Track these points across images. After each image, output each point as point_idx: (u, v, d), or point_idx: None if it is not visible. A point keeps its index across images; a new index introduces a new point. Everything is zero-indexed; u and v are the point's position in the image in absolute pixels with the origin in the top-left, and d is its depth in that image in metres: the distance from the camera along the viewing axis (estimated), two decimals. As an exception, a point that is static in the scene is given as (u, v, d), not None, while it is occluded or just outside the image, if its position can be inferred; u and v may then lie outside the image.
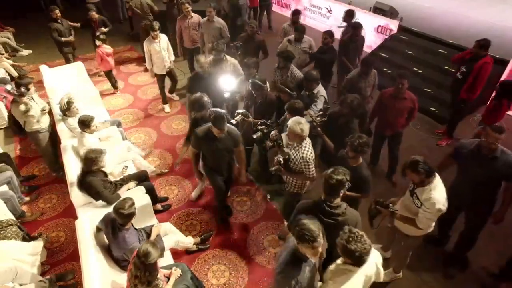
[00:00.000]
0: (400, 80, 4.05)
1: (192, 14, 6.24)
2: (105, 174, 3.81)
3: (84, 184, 3.62)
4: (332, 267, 2.30)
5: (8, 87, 4.64)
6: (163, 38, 5.82)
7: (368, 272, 2.26)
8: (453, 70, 5.68)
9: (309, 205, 2.60)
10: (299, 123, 3.13)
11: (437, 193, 2.74)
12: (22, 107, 4.30)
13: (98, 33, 6.68)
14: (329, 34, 5.36)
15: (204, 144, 3.55)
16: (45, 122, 4.59)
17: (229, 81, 4.43)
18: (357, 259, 2.08)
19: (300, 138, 3.19)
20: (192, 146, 3.69)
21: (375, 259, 2.33)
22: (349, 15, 6.36)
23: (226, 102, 4.95)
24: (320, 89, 4.24)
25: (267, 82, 4.23)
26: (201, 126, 3.56)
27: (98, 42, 6.44)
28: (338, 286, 2.19)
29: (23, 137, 5.50)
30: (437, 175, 2.81)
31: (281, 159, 3.29)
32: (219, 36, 6.00)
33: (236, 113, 4.06)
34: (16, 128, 5.51)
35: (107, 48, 6.57)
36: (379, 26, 8.11)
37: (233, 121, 3.96)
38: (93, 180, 3.58)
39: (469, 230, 3.52)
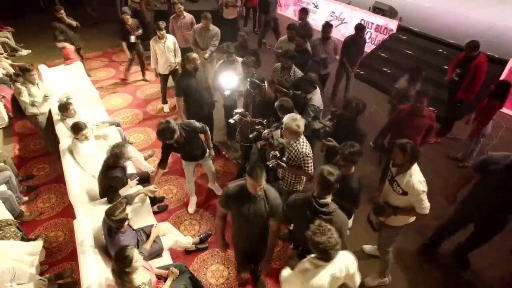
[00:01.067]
0: (419, 98, 3.82)
1: (185, 14, 6.26)
2: (124, 170, 3.79)
3: (106, 176, 3.56)
4: (303, 260, 2.32)
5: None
6: (170, 39, 5.79)
7: (335, 273, 2.23)
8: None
9: (300, 200, 2.62)
10: (295, 120, 3.14)
11: (416, 177, 2.87)
12: (16, 91, 4.60)
13: (133, 36, 6.61)
14: (301, 35, 5.37)
15: (234, 203, 2.75)
16: (44, 108, 4.80)
17: (230, 79, 4.41)
18: (322, 252, 2.11)
19: (297, 134, 3.20)
20: (220, 205, 2.88)
21: (346, 262, 2.30)
22: (304, 12, 6.45)
23: (228, 101, 4.97)
24: (314, 96, 4.17)
25: (265, 81, 4.23)
26: (234, 183, 2.82)
27: (59, 45, 6.49)
28: (302, 276, 2.21)
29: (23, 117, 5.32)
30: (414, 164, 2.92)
31: (277, 153, 3.25)
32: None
33: (234, 113, 4.05)
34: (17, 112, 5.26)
35: (71, 46, 6.64)
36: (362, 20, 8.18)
37: (231, 121, 3.97)
38: (117, 177, 3.56)
39: (478, 238, 3.48)
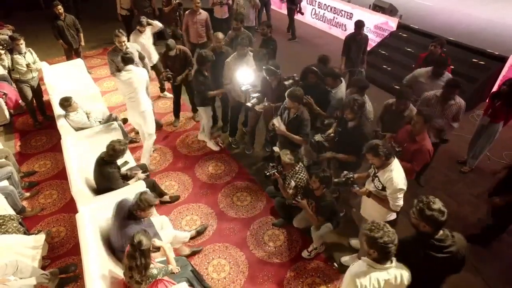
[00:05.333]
0: (416, 118, 3.31)
1: (201, 10, 6.30)
2: (119, 167, 3.85)
3: (103, 173, 3.63)
4: (359, 261, 2.25)
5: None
6: (148, 31, 5.98)
7: (390, 279, 2.16)
8: (452, 66, 5.67)
9: (411, 243, 2.36)
10: (286, 154, 3.66)
11: (396, 173, 2.90)
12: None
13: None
14: (266, 25, 5.49)
15: None
16: (27, 76, 5.34)
17: (246, 74, 4.48)
18: (381, 249, 2.06)
19: (292, 165, 3.70)
20: None
21: (403, 272, 2.21)
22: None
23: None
24: (339, 91, 4.16)
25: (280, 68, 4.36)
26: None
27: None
28: (355, 278, 2.14)
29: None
30: (395, 157, 2.97)
31: (293, 187, 3.65)
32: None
33: (251, 97, 4.26)
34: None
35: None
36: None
37: (249, 104, 4.21)
38: (114, 172, 3.65)
39: None
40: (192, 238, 3.92)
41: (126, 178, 3.94)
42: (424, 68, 4.51)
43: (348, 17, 8.66)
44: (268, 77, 4.32)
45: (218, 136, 5.58)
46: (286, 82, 4.21)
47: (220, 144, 5.41)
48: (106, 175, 3.63)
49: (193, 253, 3.81)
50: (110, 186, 3.69)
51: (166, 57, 5.15)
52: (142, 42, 5.84)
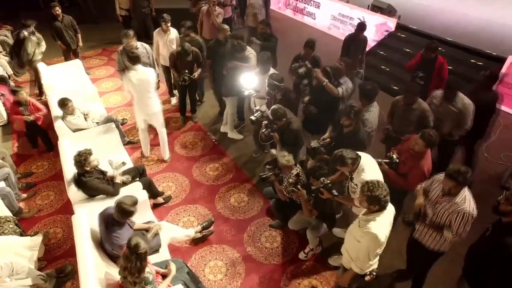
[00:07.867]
0: (418, 140, 3.18)
1: (217, 7, 6.41)
2: (101, 172, 3.82)
3: (80, 185, 3.65)
4: (354, 223, 2.63)
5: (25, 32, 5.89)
6: (173, 32, 5.88)
7: (391, 217, 2.58)
8: (450, 67, 5.66)
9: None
10: (284, 156, 3.58)
11: (367, 174, 2.98)
12: (36, 39, 5.91)
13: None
14: (265, 23, 5.65)
15: None
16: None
17: (249, 79, 4.48)
18: (382, 203, 2.43)
19: (289, 168, 3.61)
20: None
21: (392, 209, 2.61)
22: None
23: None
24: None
25: (283, 80, 4.36)
26: None
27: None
28: (371, 233, 2.44)
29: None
30: (362, 158, 3.05)
31: (294, 175, 3.57)
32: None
33: (254, 110, 4.23)
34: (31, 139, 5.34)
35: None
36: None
37: (252, 118, 4.15)
38: (88, 180, 3.61)
39: None
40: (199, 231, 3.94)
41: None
42: (441, 90, 4.16)
43: (316, 6, 9.42)
44: (271, 91, 4.33)
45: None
46: (299, 70, 4.26)
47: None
48: (88, 186, 3.63)
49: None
50: (95, 194, 3.70)
51: (177, 59, 5.18)
52: (164, 42, 5.79)
